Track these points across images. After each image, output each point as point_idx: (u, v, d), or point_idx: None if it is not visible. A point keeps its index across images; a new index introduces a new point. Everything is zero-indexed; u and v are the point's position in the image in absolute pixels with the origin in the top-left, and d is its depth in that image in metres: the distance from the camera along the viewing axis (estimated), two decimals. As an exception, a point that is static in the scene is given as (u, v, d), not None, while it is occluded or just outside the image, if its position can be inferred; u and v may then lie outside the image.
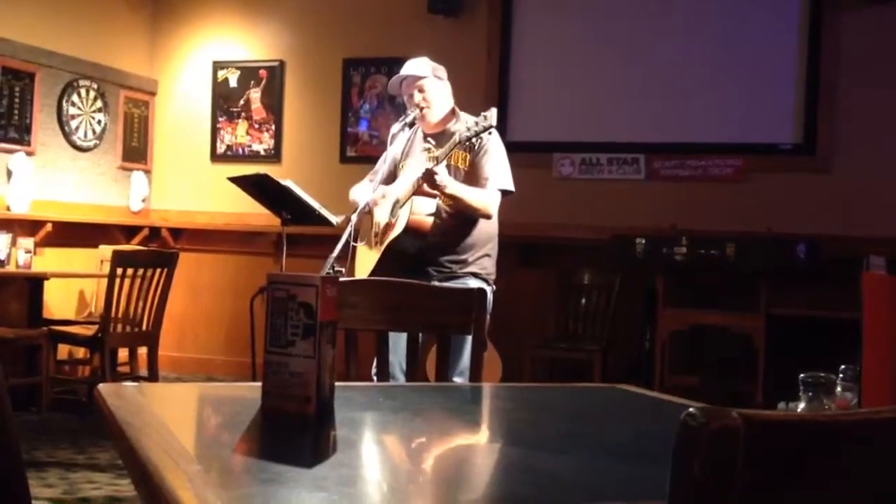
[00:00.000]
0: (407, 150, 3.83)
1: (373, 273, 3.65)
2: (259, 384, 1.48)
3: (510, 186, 3.67)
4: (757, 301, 5.28)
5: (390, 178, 3.82)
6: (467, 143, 3.49)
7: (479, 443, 1.54)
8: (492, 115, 3.44)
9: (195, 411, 1.67)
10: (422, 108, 3.71)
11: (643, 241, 5.52)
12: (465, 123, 3.61)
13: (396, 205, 3.67)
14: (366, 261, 3.78)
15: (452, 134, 3.66)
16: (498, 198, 3.64)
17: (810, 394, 1.32)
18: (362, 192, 3.88)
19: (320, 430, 1.43)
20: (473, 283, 3.54)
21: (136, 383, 3.82)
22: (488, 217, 3.64)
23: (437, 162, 3.51)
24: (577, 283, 6.05)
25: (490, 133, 3.54)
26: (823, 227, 5.57)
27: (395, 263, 3.62)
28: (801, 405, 1.32)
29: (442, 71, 3.81)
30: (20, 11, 6.15)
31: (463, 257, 3.65)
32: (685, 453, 0.67)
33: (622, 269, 5.86)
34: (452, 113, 3.80)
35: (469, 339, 2.26)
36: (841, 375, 1.40)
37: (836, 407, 1.33)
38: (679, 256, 5.42)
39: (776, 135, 5.92)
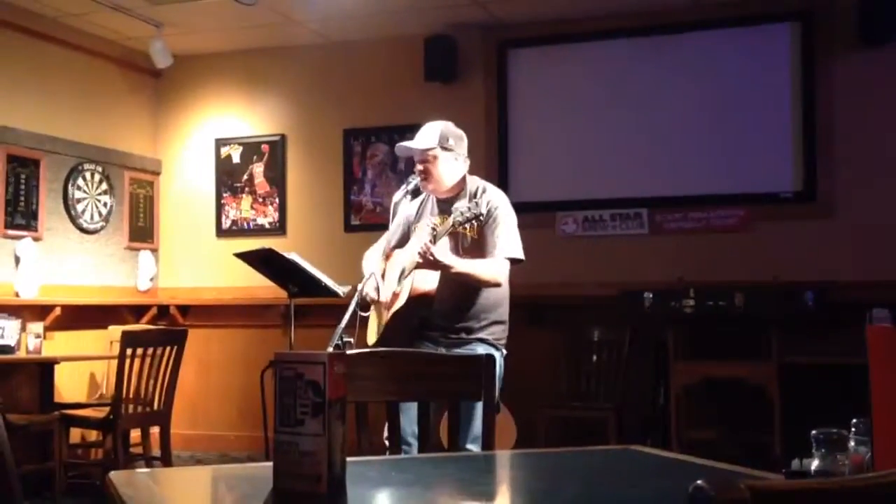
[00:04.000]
0: (420, 212, 3.82)
1: (380, 341, 3.64)
2: (270, 464, 1.48)
3: (520, 255, 3.65)
4: (769, 350, 5.26)
5: (405, 240, 3.82)
6: (464, 224, 3.48)
7: (493, 514, 1.52)
8: (483, 201, 3.49)
9: (208, 496, 1.66)
10: (423, 178, 3.73)
11: (651, 296, 5.53)
12: (465, 200, 3.62)
13: (402, 274, 3.67)
14: (375, 328, 3.78)
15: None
16: (507, 266, 3.61)
17: (823, 450, 1.32)
18: (373, 259, 3.89)
19: (333, 509, 1.42)
20: (482, 350, 3.52)
21: (147, 469, 3.78)
22: (498, 286, 3.62)
23: (434, 241, 3.48)
24: (587, 340, 6.03)
25: (496, 208, 3.56)
26: (830, 273, 5.56)
27: (402, 332, 3.61)
28: (815, 462, 1.32)
29: (456, 139, 3.75)
30: (23, 100, 6.24)
31: (470, 324, 3.63)
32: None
33: (631, 324, 5.84)
34: (464, 180, 3.77)
35: (479, 405, 2.26)
36: (854, 429, 1.40)
37: (850, 463, 1.32)
38: (688, 309, 5.42)
39: (777, 183, 5.95)
